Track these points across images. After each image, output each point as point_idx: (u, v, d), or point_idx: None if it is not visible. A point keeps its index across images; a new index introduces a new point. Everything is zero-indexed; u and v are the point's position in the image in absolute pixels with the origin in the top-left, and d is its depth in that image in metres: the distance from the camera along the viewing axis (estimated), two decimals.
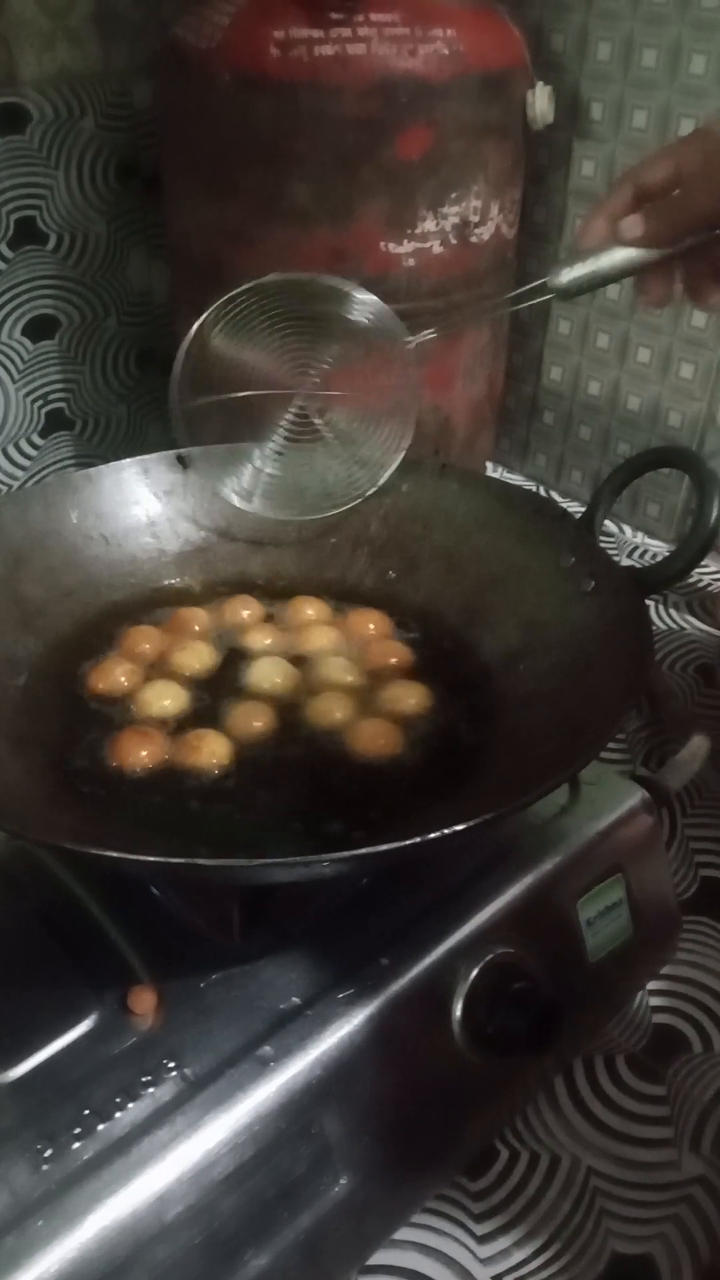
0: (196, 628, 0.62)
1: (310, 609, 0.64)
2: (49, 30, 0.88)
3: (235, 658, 0.61)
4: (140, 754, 0.53)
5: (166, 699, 0.57)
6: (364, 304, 0.63)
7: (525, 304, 0.59)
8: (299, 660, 0.60)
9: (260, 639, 0.62)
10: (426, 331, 0.63)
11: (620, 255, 0.56)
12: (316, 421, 0.65)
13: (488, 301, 0.63)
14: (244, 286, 0.61)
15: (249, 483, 0.66)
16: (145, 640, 0.61)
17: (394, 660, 0.61)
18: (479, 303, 0.86)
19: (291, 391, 0.65)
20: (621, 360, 1.00)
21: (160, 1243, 0.40)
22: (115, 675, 0.58)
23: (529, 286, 0.58)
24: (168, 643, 0.61)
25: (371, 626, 0.63)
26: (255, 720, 0.56)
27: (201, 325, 0.61)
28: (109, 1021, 0.45)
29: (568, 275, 0.58)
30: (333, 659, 0.60)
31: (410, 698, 0.57)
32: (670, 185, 0.55)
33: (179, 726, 0.55)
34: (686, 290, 0.58)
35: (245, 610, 0.64)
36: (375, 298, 0.63)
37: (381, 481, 0.64)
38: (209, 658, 0.60)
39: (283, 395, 0.65)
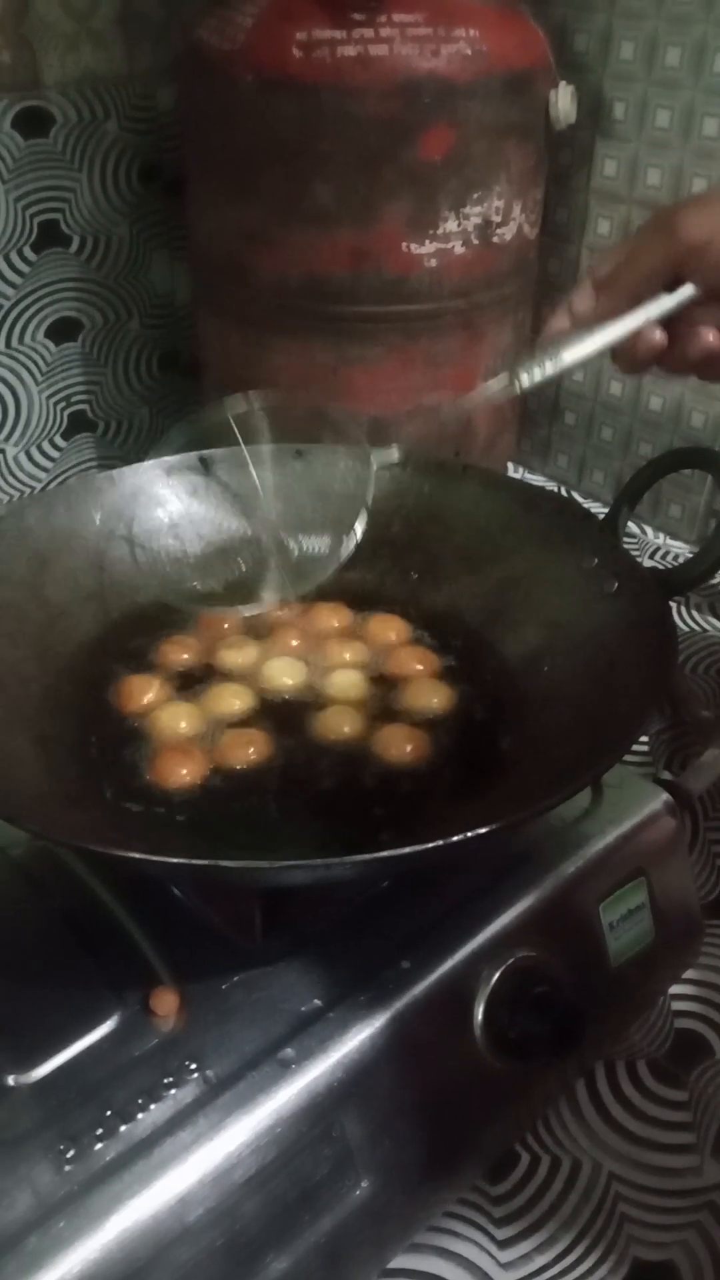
0: (226, 625, 0.62)
1: (335, 619, 0.64)
2: (73, 33, 0.89)
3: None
4: (181, 771, 0.52)
5: (235, 700, 0.57)
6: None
7: (488, 395, 0.56)
8: (322, 668, 0.60)
9: (283, 643, 0.62)
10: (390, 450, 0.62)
11: (584, 345, 0.53)
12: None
13: (462, 399, 0.62)
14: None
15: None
16: (182, 650, 0.61)
17: (417, 665, 0.60)
18: (505, 316, 0.86)
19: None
20: None
21: (181, 1244, 0.40)
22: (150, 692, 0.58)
23: (496, 386, 0.55)
24: (206, 645, 0.61)
25: (393, 634, 0.63)
26: (280, 725, 0.56)
27: None
28: (131, 1023, 0.45)
29: (531, 375, 0.54)
30: (352, 667, 0.60)
31: (433, 701, 0.57)
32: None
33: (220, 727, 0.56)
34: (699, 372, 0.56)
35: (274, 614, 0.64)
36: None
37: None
38: (252, 656, 0.61)
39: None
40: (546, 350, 0.53)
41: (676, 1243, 0.50)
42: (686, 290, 0.50)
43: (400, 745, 0.54)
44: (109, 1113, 0.42)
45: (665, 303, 0.51)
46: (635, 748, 0.76)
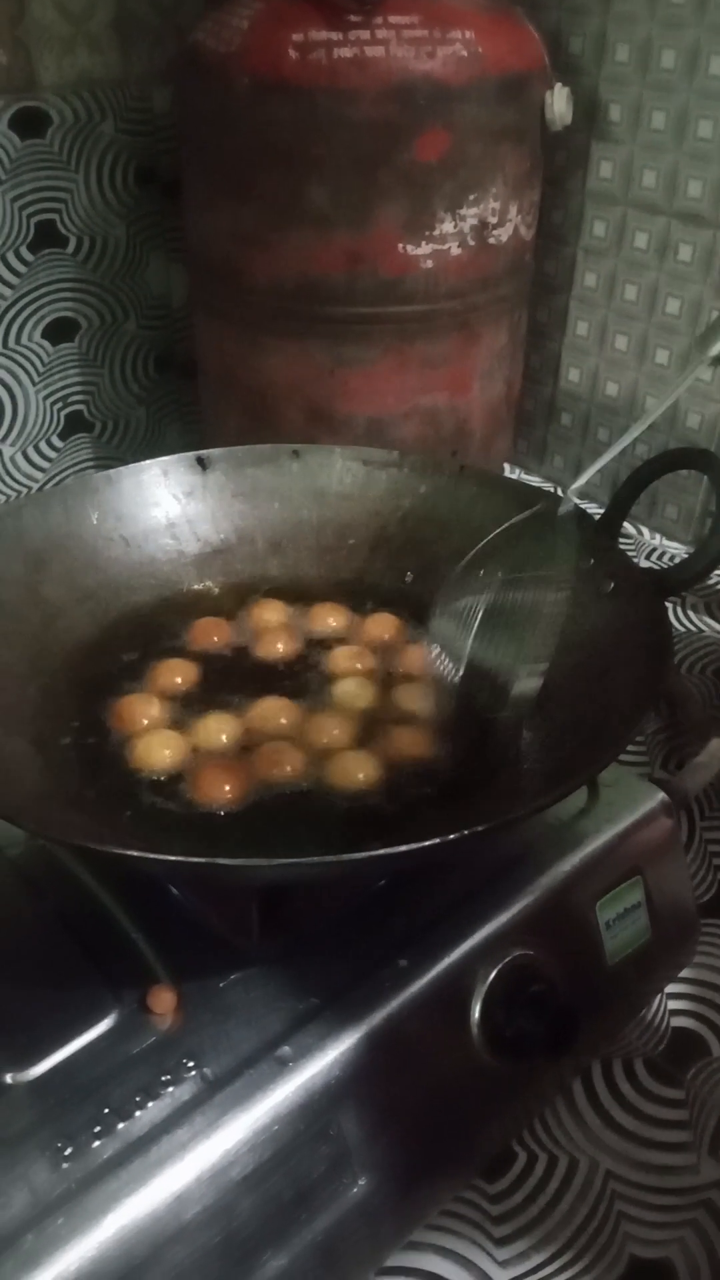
0: (216, 639, 0.62)
1: (332, 619, 0.64)
2: (69, 35, 0.89)
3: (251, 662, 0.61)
4: (224, 789, 0.52)
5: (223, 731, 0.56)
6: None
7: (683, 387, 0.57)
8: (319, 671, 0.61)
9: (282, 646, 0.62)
10: (576, 484, 0.61)
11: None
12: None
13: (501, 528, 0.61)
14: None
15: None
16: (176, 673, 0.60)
17: (413, 665, 0.60)
18: (501, 317, 0.86)
19: None
20: (640, 362, 1.00)
21: (178, 1243, 0.40)
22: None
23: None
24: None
25: (386, 635, 0.63)
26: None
27: None
28: (128, 1021, 0.45)
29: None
30: (349, 673, 0.60)
31: (429, 702, 0.57)
32: None
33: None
34: None
35: (268, 616, 0.64)
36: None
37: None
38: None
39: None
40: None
41: (673, 1241, 0.50)
42: None
43: (396, 745, 0.54)
44: (106, 1111, 0.42)
45: None
46: (631, 747, 0.76)
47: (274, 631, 0.62)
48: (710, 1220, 0.51)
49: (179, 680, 0.59)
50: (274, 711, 0.56)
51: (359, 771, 0.53)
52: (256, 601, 0.65)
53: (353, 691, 0.58)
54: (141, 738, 0.54)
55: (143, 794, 0.52)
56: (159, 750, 0.54)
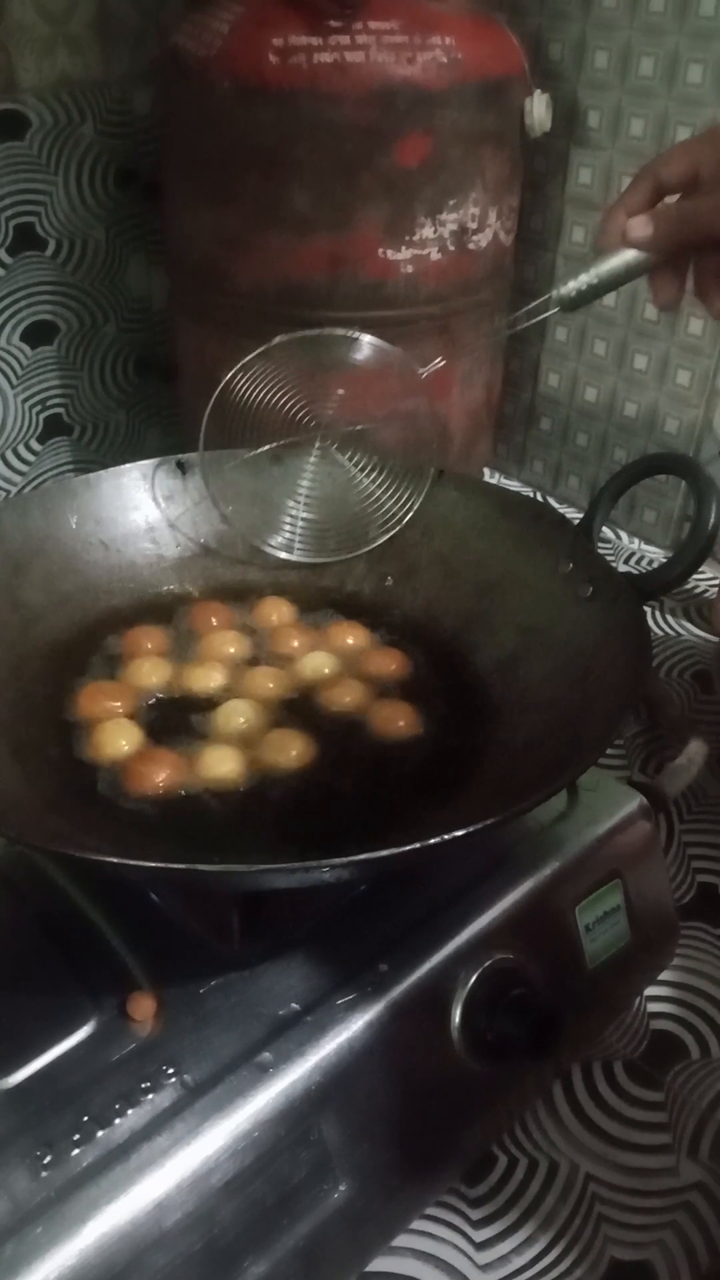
0: (149, 644, 0.62)
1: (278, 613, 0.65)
2: (49, 36, 0.88)
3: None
4: (156, 778, 0.52)
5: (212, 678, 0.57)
6: (372, 346, 0.64)
7: (531, 321, 0.58)
8: (292, 670, 0.61)
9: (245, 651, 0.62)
10: (435, 361, 0.63)
11: (625, 258, 0.56)
12: (340, 458, 0.67)
13: (495, 323, 0.64)
14: (254, 354, 0.63)
15: (288, 534, 0.67)
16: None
17: (392, 667, 0.61)
18: (481, 322, 0.87)
19: (314, 435, 0.67)
20: (619, 367, 1.00)
21: (159, 1250, 0.40)
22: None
23: (534, 304, 0.57)
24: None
25: (350, 639, 0.63)
26: (256, 733, 0.56)
27: (220, 391, 0.63)
28: (108, 1028, 0.45)
29: (571, 285, 0.57)
30: (325, 668, 0.60)
31: (406, 708, 0.58)
32: (688, 183, 0.55)
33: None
34: (696, 292, 0.58)
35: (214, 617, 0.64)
36: (380, 340, 0.65)
37: (410, 512, 0.65)
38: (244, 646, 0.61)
39: (306, 441, 0.67)
40: (587, 264, 0.56)
41: (653, 1243, 0.51)
42: None
43: (385, 740, 0.54)
44: (86, 1118, 0.42)
45: None
46: (610, 751, 0.76)
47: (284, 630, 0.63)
48: (690, 1222, 0.51)
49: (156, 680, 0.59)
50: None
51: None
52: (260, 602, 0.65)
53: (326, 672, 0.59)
54: (98, 727, 0.55)
55: (122, 799, 0.52)
56: (114, 740, 0.54)
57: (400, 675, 0.61)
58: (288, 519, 0.67)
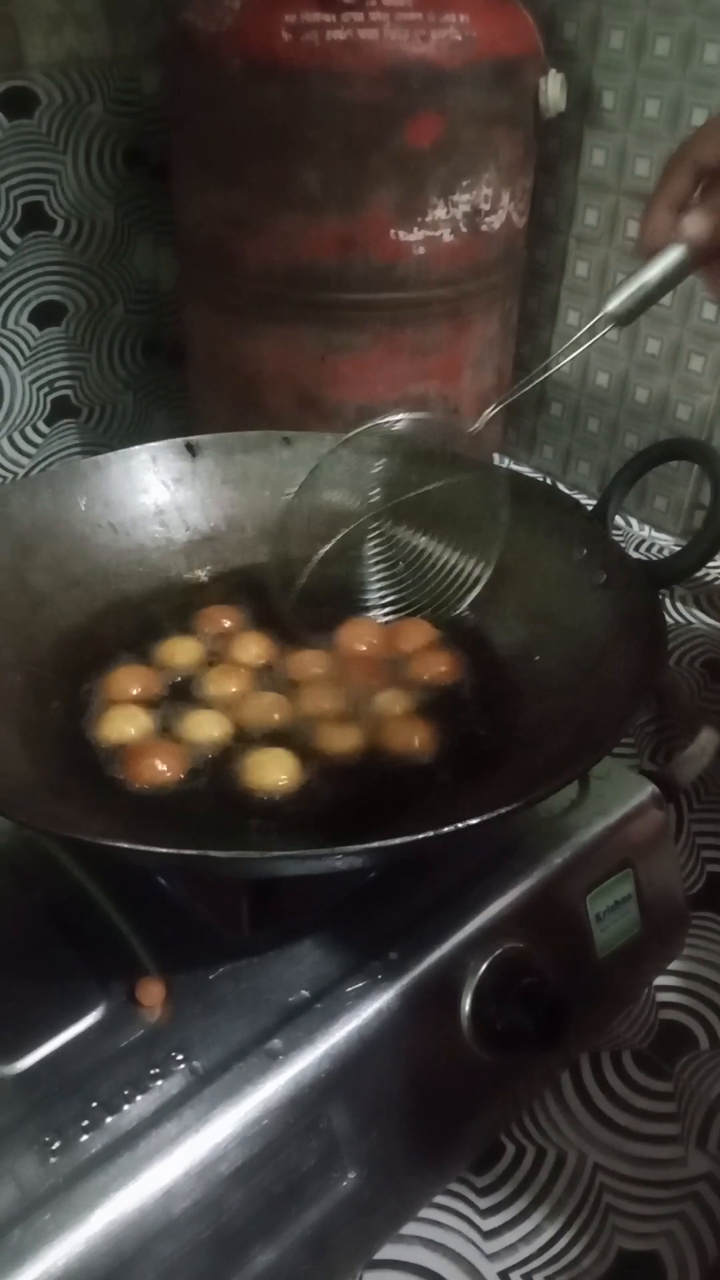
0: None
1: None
2: (57, 13, 0.87)
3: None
4: (160, 769, 0.52)
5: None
6: (413, 422, 0.63)
7: (588, 344, 0.56)
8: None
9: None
10: (487, 412, 0.61)
11: (673, 257, 0.52)
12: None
13: (549, 361, 0.61)
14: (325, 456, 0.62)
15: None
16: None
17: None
18: (493, 305, 0.86)
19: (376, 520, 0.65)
20: (630, 352, 0.99)
21: (167, 1237, 0.39)
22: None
23: (587, 326, 0.55)
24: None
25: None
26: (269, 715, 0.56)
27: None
28: (116, 1014, 0.45)
29: (623, 298, 0.54)
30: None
31: (422, 696, 0.57)
32: None
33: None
34: None
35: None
36: (423, 414, 0.63)
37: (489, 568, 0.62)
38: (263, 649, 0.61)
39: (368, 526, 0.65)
40: (634, 272, 0.53)
41: (661, 1233, 0.50)
42: None
43: (392, 737, 0.54)
44: (94, 1104, 0.41)
45: None
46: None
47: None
48: (698, 1212, 0.51)
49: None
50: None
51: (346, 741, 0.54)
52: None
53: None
54: (109, 712, 0.55)
55: (131, 785, 0.51)
56: (124, 726, 0.54)
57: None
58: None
